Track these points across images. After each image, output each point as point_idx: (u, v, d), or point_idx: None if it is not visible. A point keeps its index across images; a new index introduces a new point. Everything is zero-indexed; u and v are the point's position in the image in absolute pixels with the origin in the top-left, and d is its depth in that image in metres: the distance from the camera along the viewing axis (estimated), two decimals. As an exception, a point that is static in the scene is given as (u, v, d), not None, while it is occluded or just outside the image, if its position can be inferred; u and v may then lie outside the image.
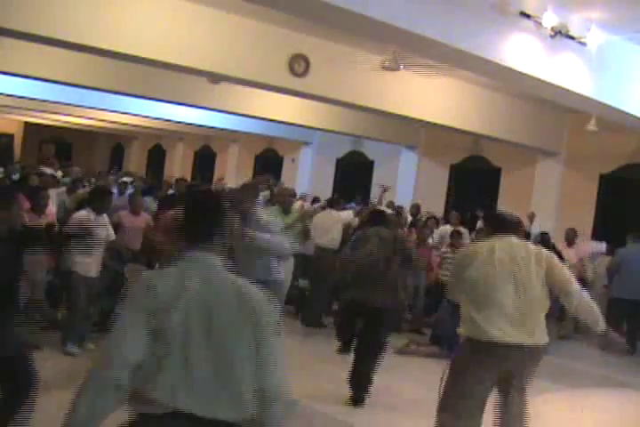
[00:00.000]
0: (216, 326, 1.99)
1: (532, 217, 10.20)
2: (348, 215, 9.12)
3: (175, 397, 1.95)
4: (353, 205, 10.19)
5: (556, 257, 3.67)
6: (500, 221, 3.69)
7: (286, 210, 6.72)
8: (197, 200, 2.23)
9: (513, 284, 3.50)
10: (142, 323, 1.94)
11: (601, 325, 3.60)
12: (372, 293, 5.00)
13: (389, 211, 9.78)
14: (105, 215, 5.71)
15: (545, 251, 3.65)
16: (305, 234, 6.74)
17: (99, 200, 5.65)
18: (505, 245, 3.59)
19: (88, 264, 5.50)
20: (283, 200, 6.86)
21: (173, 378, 1.95)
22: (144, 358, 1.94)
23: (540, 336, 3.60)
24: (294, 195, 8.20)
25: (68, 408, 1.94)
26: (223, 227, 2.14)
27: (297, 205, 8.57)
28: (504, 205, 11.89)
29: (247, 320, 2.02)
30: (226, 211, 2.17)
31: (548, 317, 3.70)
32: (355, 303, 5.15)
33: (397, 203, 12.06)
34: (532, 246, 3.68)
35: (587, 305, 3.59)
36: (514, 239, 3.65)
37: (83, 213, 5.55)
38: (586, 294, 3.64)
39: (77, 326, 5.54)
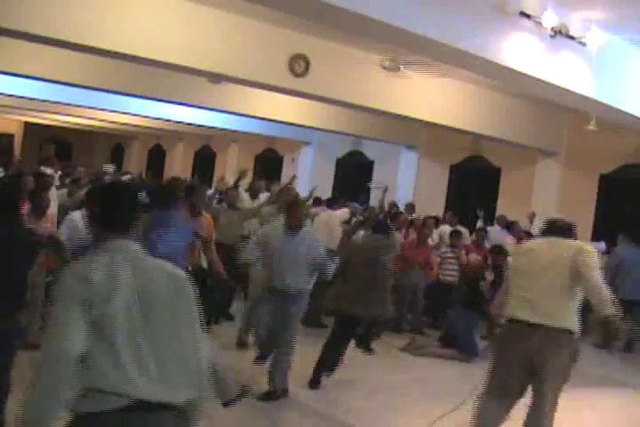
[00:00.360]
0: (157, 309, 2.05)
1: (531, 217, 10.21)
2: (343, 214, 9.11)
3: (135, 387, 1.95)
4: (356, 204, 10.17)
5: (593, 258, 3.91)
6: (549, 225, 4.21)
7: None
8: (112, 190, 2.27)
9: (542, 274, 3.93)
10: (81, 315, 1.92)
11: (609, 309, 3.66)
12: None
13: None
14: None
15: (587, 248, 3.94)
16: None
17: None
18: (546, 243, 4.07)
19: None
20: (285, 200, 6.86)
21: (129, 368, 1.95)
22: (94, 354, 1.92)
23: (561, 321, 3.84)
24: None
25: (20, 409, 1.89)
26: (137, 215, 2.22)
27: None
28: (504, 205, 11.90)
29: (181, 298, 2.12)
30: (138, 200, 2.27)
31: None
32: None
33: (397, 203, 12.06)
34: (573, 244, 3.98)
35: (597, 289, 3.75)
36: (558, 239, 4.03)
37: (77, 215, 5.52)
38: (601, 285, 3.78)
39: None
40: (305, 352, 5.40)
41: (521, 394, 3.92)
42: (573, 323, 3.90)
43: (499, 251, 7.88)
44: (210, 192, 7.79)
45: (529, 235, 9.48)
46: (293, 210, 5.03)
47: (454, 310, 7.41)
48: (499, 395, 3.92)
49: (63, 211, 7.75)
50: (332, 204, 9.70)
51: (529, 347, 3.83)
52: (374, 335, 6.68)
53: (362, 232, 8.35)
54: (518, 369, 3.87)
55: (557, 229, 4.12)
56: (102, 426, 1.96)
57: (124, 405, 1.94)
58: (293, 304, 5.03)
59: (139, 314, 2.00)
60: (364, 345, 6.47)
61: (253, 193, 8.76)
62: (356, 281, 5.54)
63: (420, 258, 8.11)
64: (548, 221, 4.27)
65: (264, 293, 5.20)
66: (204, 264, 5.85)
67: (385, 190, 10.50)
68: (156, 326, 2.03)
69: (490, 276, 7.60)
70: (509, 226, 9.89)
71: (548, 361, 3.79)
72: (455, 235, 8.72)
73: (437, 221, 9.99)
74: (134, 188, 2.38)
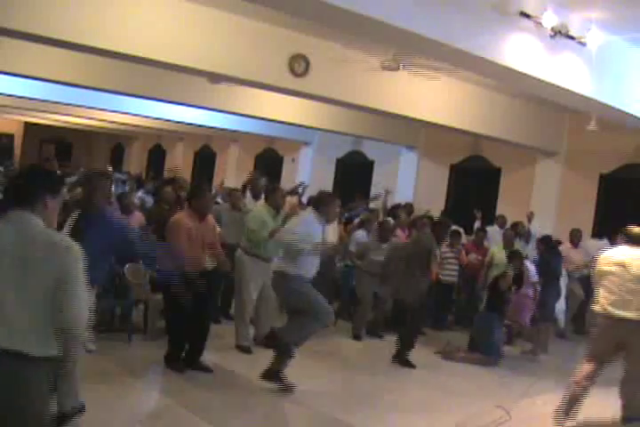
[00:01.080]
0: (27, 270, 2.41)
1: (530, 217, 10.21)
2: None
3: None
4: (362, 210, 10.12)
5: None
6: (629, 235, 5.21)
7: (278, 210, 6.73)
8: (21, 173, 2.83)
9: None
10: None
11: None
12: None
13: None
14: None
15: None
16: None
17: None
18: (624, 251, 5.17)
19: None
20: (277, 200, 6.86)
21: None
22: None
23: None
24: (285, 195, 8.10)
25: None
26: (39, 192, 2.56)
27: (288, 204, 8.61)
28: (504, 205, 11.90)
29: (53, 262, 2.43)
30: (40, 183, 2.60)
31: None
32: None
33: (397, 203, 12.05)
34: None
35: None
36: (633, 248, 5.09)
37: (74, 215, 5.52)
38: None
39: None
40: (306, 351, 5.40)
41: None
42: None
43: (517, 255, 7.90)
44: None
45: (528, 235, 9.50)
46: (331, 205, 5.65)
47: (479, 315, 7.46)
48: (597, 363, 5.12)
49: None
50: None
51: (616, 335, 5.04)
52: (407, 348, 6.72)
53: (358, 232, 8.42)
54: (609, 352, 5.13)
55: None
56: None
57: None
58: None
59: (9, 273, 2.40)
60: (401, 359, 6.66)
61: (256, 193, 8.73)
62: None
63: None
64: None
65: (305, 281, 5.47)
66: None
67: (387, 193, 10.51)
68: (24, 286, 2.40)
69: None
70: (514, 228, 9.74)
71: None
72: (455, 235, 8.73)
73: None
74: (37, 173, 2.71)
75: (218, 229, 6.29)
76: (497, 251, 8.60)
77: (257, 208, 6.88)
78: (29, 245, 2.44)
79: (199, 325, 5.61)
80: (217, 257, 5.81)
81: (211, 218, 5.84)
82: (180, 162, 20.71)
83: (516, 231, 9.16)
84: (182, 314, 5.40)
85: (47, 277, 2.41)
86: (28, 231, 2.48)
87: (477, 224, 10.33)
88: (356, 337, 7.66)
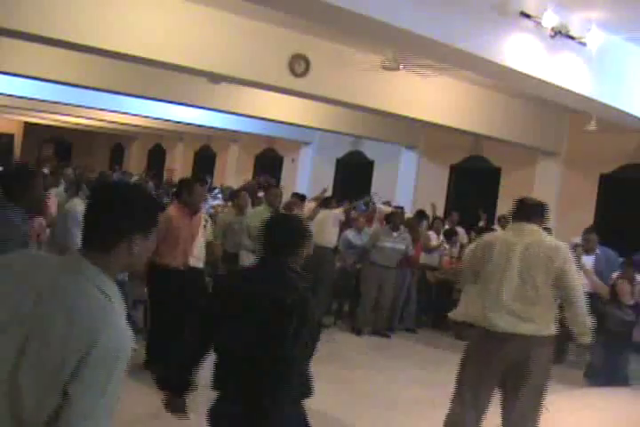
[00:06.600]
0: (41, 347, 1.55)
1: None
2: (339, 213, 9.11)
3: None
4: (363, 208, 10.18)
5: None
6: None
7: (276, 210, 6.76)
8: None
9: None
10: None
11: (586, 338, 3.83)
12: None
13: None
14: None
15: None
16: None
17: None
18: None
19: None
20: (273, 200, 6.89)
21: None
22: None
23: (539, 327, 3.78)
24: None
25: None
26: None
27: (306, 208, 8.67)
28: (504, 205, 11.89)
29: (73, 339, 1.50)
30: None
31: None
32: None
33: (397, 203, 12.06)
34: None
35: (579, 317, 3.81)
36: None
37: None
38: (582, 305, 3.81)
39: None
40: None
41: None
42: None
43: None
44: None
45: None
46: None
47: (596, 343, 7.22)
48: None
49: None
50: (327, 204, 9.80)
51: (503, 354, 3.98)
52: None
53: (349, 231, 8.51)
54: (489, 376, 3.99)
55: None
56: None
57: None
58: None
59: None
60: None
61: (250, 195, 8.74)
62: None
63: (415, 257, 8.20)
64: None
65: None
66: (200, 264, 5.87)
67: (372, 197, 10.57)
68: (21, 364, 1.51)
69: None
70: (500, 220, 9.79)
71: (529, 369, 3.91)
72: (452, 234, 8.81)
73: (443, 222, 10.01)
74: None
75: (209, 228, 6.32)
76: None
77: (257, 207, 6.96)
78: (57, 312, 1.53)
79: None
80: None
81: (200, 216, 5.74)
82: (179, 162, 20.74)
83: None
84: (165, 312, 5.36)
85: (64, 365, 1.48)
86: (67, 295, 1.55)
87: (481, 224, 10.35)
88: (358, 332, 7.71)
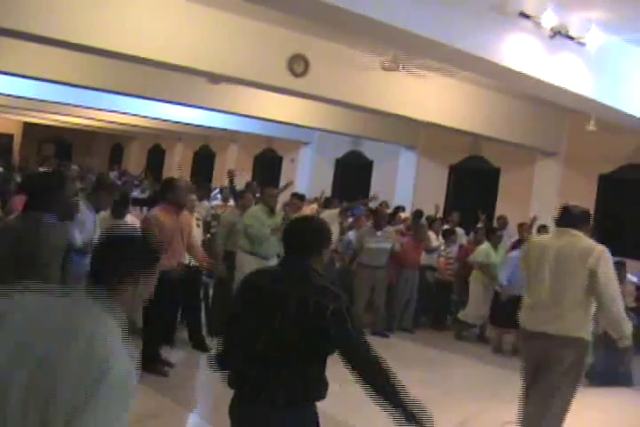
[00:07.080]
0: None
1: (533, 221, 10.16)
2: (333, 213, 9.10)
3: None
4: (362, 210, 10.16)
5: None
6: None
7: (271, 210, 6.74)
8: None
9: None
10: None
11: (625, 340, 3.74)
12: None
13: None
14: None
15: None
16: None
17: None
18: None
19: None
20: (268, 200, 6.87)
21: None
22: None
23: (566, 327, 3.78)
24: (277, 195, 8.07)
25: None
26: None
27: (309, 209, 8.66)
28: (503, 205, 11.91)
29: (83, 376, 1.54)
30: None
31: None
32: None
33: (397, 203, 12.07)
34: None
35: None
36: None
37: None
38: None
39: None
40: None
41: None
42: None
43: None
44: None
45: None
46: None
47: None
48: None
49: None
50: (327, 205, 9.84)
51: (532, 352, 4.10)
52: None
53: (351, 232, 8.47)
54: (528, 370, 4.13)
55: None
56: None
57: None
58: None
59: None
60: None
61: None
62: None
63: (414, 257, 8.17)
64: None
65: None
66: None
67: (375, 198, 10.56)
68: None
69: None
70: (539, 230, 9.49)
71: (552, 367, 3.98)
72: (448, 234, 8.79)
73: (442, 222, 10.00)
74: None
75: (199, 228, 6.34)
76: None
77: (253, 207, 6.96)
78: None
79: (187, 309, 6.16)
80: (196, 257, 5.69)
81: (187, 215, 5.66)
82: (179, 162, 20.73)
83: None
84: (160, 310, 5.35)
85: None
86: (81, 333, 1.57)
87: (480, 224, 10.33)
88: None
